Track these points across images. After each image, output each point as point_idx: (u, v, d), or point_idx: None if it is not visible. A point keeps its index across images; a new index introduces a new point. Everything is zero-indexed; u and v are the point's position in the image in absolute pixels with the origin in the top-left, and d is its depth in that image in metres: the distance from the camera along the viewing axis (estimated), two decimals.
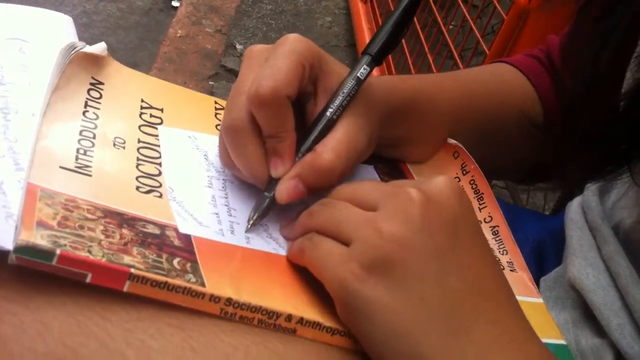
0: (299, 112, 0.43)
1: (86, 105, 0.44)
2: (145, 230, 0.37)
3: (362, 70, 0.43)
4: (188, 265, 0.35)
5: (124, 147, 0.42)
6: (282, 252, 0.40)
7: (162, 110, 0.47)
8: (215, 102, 0.51)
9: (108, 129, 0.43)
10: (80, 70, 0.45)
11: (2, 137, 0.40)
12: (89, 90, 0.45)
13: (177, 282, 0.34)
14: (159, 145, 0.44)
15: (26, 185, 0.36)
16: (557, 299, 0.50)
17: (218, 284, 0.35)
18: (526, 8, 1.03)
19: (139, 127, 0.45)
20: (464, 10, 1.27)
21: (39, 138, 0.39)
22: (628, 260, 0.45)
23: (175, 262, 0.35)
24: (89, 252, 0.33)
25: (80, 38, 0.49)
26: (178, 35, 1.90)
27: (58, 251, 0.32)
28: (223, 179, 0.44)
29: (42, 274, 0.32)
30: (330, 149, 0.41)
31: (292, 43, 0.41)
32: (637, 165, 0.40)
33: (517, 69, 0.60)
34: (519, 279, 0.45)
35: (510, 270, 0.46)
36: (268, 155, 0.41)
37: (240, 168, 0.42)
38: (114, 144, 0.42)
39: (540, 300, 0.45)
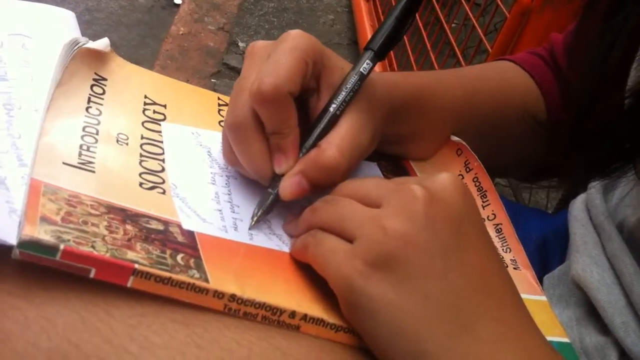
0: (302, 108, 0.43)
1: (89, 101, 0.44)
2: (148, 226, 0.37)
3: (364, 66, 0.43)
4: (192, 261, 0.35)
5: (127, 144, 0.42)
6: (286, 248, 0.40)
7: (165, 106, 0.47)
8: (219, 98, 0.51)
9: (111, 125, 0.43)
10: (83, 66, 0.45)
11: (5, 133, 0.40)
12: (92, 86, 0.45)
13: (181, 277, 0.34)
14: (162, 142, 0.44)
15: (29, 181, 0.36)
16: (561, 296, 0.50)
17: (222, 280, 0.35)
18: (529, 6, 1.03)
19: (142, 123, 0.45)
20: (467, 9, 1.27)
21: (42, 134, 0.39)
22: (632, 258, 0.44)
23: (179, 258, 0.35)
24: (93, 247, 0.33)
25: (83, 35, 0.49)
26: (180, 32, 1.90)
27: (62, 246, 0.31)
28: (226, 176, 0.44)
29: (45, 269, 0.32)
30: (334, 145, 0.41)
31: (295, 39, 0.41)
32: None
33: (520, 66, 0.60)
34: (522, 277, 0.45)
35: (514, 268, 0.46)
36: (271, 151, 0.41)
37: (243, 165, 0.42)
38: (117, 140, 0.42)
39: (544, 298, 0.45)
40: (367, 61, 0.43)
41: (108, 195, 0.37)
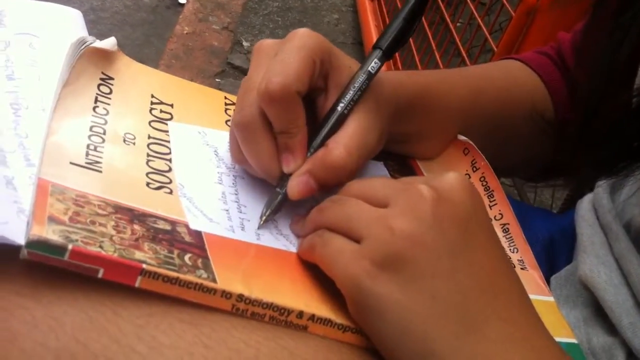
0: (310, 107, 0.43)
1: (96, 100, 0.44)
2: (156, 226, 0.37)
3: (372, 64, 0.43)
4: (199, 261, 0.35)
5: (134, 143, 0.42)
6: (293, 248, 0.40)
7: (172, 105, 0.47)
8: (225, 98, 0.51)
9: (118, 125, 0.43)
10: (90, 65, 0.45)
11: (12, 132, 0.40)
12: (99, 85, 0.45)
13: (189, 277, 0.34)
14: (169, 141, 0.44)
15: (37, 181, 0.36)
16: (568, 297, 0.50)
17: (229, 280, 0.35)
18: (534, 5, 1.03)
19: (149, 122, 0.45)
20: (472, 8, 1.27)
21: (49, 133, 0.39)
22: None
23: (186, 258, 0.35)
24: (101, 247, 0.33)
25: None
26: (185, 32, 1.90)
27: (70, 246, 0.31)
28: (233, 175, 0.44)
29: (53, 269, 0.32)
30: (342, 145, 0.41)
31: (302, 38, 0.41)
32: None
33: (527, 65, 0.60)
34: (529, 277, 0.45)
35: (521, 269, 0.46)
36: (279, 150, 0.41)
37: (252, 164, 0.42)
38: (124, 140, 0.42)
39: (551, 298, 0.44)
40: (375, 60, 0.43)
41: (115, 195, 0.37)
